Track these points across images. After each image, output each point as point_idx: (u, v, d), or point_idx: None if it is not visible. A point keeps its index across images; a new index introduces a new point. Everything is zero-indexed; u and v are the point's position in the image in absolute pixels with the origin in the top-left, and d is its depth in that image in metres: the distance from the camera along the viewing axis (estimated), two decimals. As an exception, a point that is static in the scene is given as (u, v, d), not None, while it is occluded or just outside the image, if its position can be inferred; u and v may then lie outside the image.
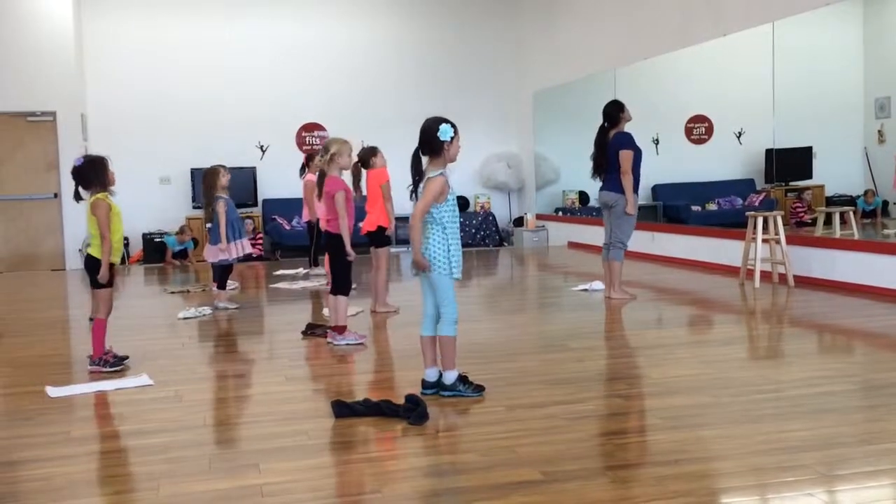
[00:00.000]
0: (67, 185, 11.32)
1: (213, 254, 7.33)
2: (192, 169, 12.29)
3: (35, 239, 11.68)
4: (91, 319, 5.23)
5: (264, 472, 3.16)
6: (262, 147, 12.82)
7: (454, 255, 4.12)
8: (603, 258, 7.30)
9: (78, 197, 5.14)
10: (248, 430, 3.77)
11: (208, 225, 7.77)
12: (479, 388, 4.17)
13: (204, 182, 7.48)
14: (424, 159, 4.13)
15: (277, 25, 12.84)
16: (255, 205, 12.61)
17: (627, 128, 7.17)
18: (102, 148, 11.61)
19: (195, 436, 3.69)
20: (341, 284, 5.65)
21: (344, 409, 3.89)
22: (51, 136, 11.55)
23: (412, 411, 3.78)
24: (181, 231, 11.77)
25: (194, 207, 12.32)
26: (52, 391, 4.53)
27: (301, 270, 10.01)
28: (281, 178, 12.62)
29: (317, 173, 7.19)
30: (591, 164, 7.34)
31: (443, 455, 3.34)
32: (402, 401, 3.92)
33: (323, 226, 5.83)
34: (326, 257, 6.74)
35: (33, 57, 11.30)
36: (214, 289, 7.58)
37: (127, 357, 5.20)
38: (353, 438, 3.60)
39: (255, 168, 12.65)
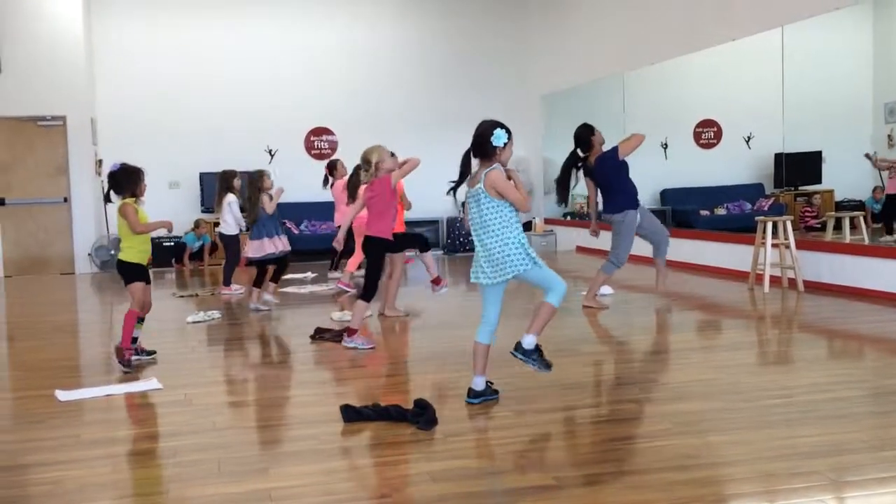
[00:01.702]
0: (78, 189, 11.55)
1: (256, 249, 7.44)
2: (201, 173, 12.33)
3: (45, 243, 11.72)
4: (140, 319, 5.40)
5: (273, 476, 3.16)
6: (270, 151, 12.84)
7: (524, 241, 4.05)
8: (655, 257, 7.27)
9: (108, 199, 5.44)
10: (258, 434, 3.77)
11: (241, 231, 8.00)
12: (549, 366, 4.12)
13: (249, 185, 7.80)
14: (475, 161, 4.10)
15: (286, 30, 12.87)
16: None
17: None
18: (111, 152, 11.73)
19: (204, 439, 3.70)
20: (368, 290, 5.66)
21: (353, 414, 3.88)
22: (61, 140, 11.60)
23: (421, 416, 3.77)
24: (197, 225, 11.80)
25: (203, 211, 12.34)
26: (62, 395, 4.54)
27: (309, 275, 10.02)
28: (289, 183, 12.61)
29: (346, 178, 7.32)
30: (557, 187, 7.04)
31: (452, 460, 3.34)
32: (410, 405, 3.92)
33: (363, 231, 5.84)
34: (352, 260, 6.82)
35: (43, 62, 11.35)
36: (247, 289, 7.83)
37: (154, 352, 5.45)
38: (363, 443, 3.60)
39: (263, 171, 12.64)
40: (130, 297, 5.33)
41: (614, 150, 6.87)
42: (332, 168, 9.66)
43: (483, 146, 4.04)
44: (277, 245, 7.51)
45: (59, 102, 11.45)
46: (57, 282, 10.93)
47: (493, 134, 4.01)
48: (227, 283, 8.83)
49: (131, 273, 5.32)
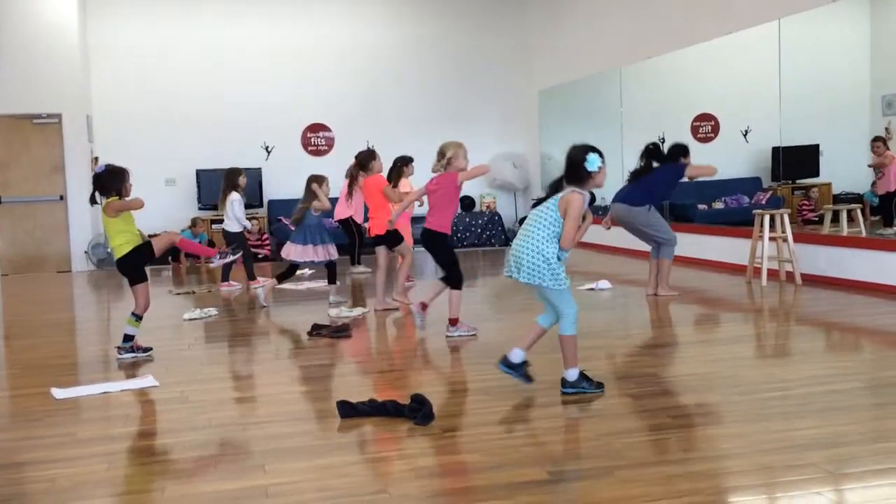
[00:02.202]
0: (74, 187, 11.53)
1: (299, 253, 7.37)
2: (197, 170, 12.31)
3: (41, 241, 11.70)
4: (134, 315, 5.41)
5: (270, 473, 3.15)
6: (267, 148, 12.82)
7: (560, 262, 4.07)
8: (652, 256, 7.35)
9: (93, 201, 5.50)
10: (254, 430, 3.76)
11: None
12: (600, 386, 4.14)
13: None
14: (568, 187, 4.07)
15: (282, 26, 12.85)
16: (261, 206, 12.61)
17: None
18: (108, 150, 11.73)
19: (201, 436, 3.69)
20: (455, 278, 5.69)
21: (349, 410, 3.88)
22: (56, 138, 11.58)
23: (417, 411, 3.76)
24: (194, 224, 11.78)
25: (200, 208, 12.33)
26: (58, 393, 4.53)
27: (307, 271, 10.00)
28: (286, 179, 12.63)
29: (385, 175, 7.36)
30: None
31: (449, 455, 3.33)
32: (407, 401, 3.91)
33: (432, 226, 5.84)
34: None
35: (38, 59, 11.33)
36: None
37: (150, 349, 5.48)
38: (359, 439, 3.59)
39: (260, 169, 12.64)
40: (137, 298, 5.36)
41: (683, 167, 7.06)
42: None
43: (577, 172, 4.03)
44: (321, 253, 7.38)
45: (55, 100, 11.43)
46: (53, 280, 10.91)
47: (585, 159, 3.99)
48: (225, 278, 8.86)
49: (137, 270, 5.36)
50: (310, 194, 7.43)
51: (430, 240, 5.81)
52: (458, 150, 5.75)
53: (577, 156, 4.02)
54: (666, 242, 7.17)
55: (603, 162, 4.03)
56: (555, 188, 4.09)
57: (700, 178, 7.35)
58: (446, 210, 5.79)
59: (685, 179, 7.22)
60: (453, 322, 5.69)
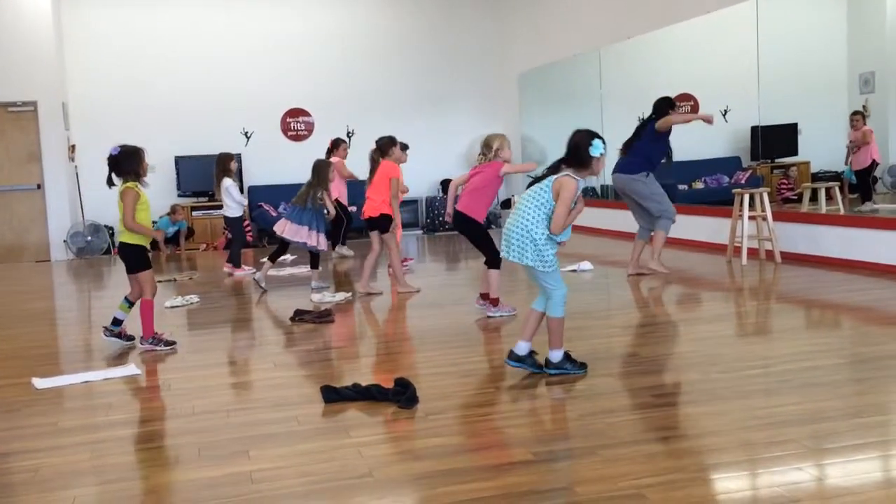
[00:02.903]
0: (51, 175, 11.41)
1: (292, 232, 7.38)
2: (176, 157, 12.21)
3: (19, 230, 11.58)
4: (128, 301, 5.37)
5: (254, 459, 3.15)
6: (246, 133, 12.73)
7: (542, 248, 4.06)
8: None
9: (110, 183, 5.31)
10: (238, 417, 3.75)
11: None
12: (583, 366, 4.15)
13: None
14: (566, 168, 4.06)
15: (260, 10, 12.73)
16: (241, 192, 12.50)
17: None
18: (85, 137, 11.60)
19: (184, 424, 3.68)
20: (492, 258, 5.74)
21: (333, 394, 3.88)
22: (32, 126, 11.44)
23: (402, 395, 3.77)
24: (173, 211, 11.70)
25: (179, 195, 12.24)
26: (39, 382, 4.50)
27: (289, 257, 9.97)
28: (266, 165, 12.56)
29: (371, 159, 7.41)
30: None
31: (433, 437, 3.34)
32: (391, 384, 3.91)
33: (469, 213, 5.87)
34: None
35: (12, 47, 11.17)
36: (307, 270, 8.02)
37: (133, 338, 5.41)
38: (343, 423, 3.59)
39: (239, 155, 12.53)
40: (139, 284, 5.27)
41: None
42: (336, 146, 9.89)
43: (579, 154, 4.02)
44: (314, 239, 7.37)
45: (30, 87, 11.29)
46: (32, 269, 10.81)
47: (591, 143, 3.99)
48: (237, 264, 8.83)
49: (137, 258, 5.27)
50: (320, 180, 7.43)
51: (462, 223, 5.89)
52: (503, 142, 5.86)
53: (583, 139, 4.02)
54: (663, 214, 7.23)
55: (605, 150, 4.04)
56: (554, 169, 4.08)
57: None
58: (481, 195, 5.84)
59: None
60: (494, 303, 5.76)
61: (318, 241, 7.42)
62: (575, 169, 4.05)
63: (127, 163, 5.17)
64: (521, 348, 4.18)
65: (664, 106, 7.24)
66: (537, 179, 4.15)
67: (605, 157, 4.08)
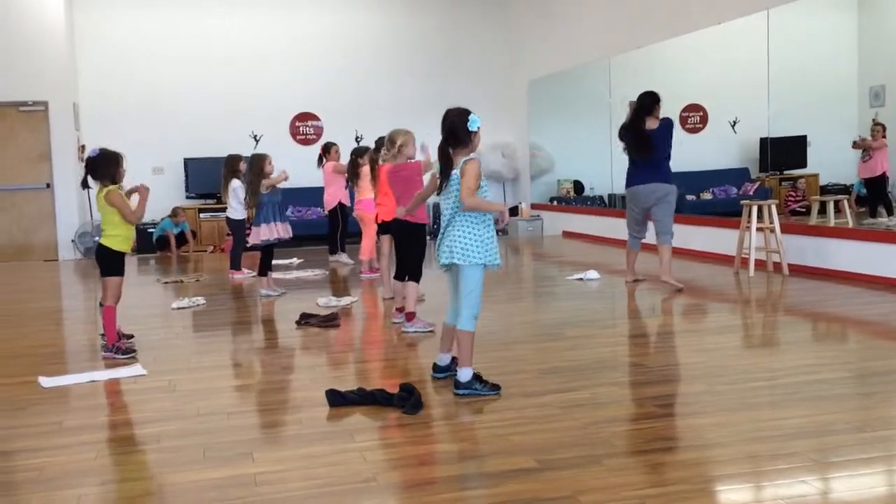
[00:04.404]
0: (60, 175, 11.45)
1: (253, 235, 7.48)
2: (185, 159, 12.24)
3: (28, 229, 11.63)
4: (101, 305, 5.31)
5: (258, 461, 3.15)
6: (255, 136, 12.76)
7: (490, 242, 4.01)
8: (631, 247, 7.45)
9: (85, 185, 5.30)
10: (242, 419, 3.76)
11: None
12: (496, 387, 4.01)
13: (249, 169, 7.90)
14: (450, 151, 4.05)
15: (271, 14, 12.77)
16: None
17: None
18: (95, 137, 11.63)
19: (189, 425, 3.68)
20: (416, 272, 5.68)
21: (338, 398, 3.88)
22: (43, 126, 11.49)
23: (406, 400, 3.77)
24: (174, 213, 11.71)
25: (188, 197, 12.27)
26: (45, 381, 4.51)
27: (295, 260, 9.99)
28: (275, 168, 12.56)
29: (352, 162, 7.42)
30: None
31: (437, 444, 3.33)
32: (396, 390, 3.91)
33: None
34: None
35: (25, 47, 11.23)
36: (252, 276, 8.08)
37: (132, 336, 5.41)
38: (348, 427, 3.59)
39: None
40: (105, 289, 5.19)
41: (670, 123, 7.16)
42: (326, 151, 9.83)
43: (458, 133, 4.03)
44: (275, 231, 7.40)
45: (42, 88, 11.34)
46: (40, 268, 10.85)
47: (468, 120, 4.02)
48: (236, 267, 8.83)
49: (111, 263, 5.21)
50: (255, 177, 7.52)
51: (408, 231, 5.72)
52: (406, 139, 5.80)
53: (459, 118, 4.04)
54: (670, 230, 7.15)
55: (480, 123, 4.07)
56: (444, 153, 4.05)
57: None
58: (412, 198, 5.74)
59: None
60: (409, 317, 5.60)
61: (287, 229, 7.50)
62: (460, 149, 4.03)
63: (104, 167, 5.16)
64: (444, 359, 4.25)
65: (649, 102, 7.12)
66: (443, 175, 4.08)
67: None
